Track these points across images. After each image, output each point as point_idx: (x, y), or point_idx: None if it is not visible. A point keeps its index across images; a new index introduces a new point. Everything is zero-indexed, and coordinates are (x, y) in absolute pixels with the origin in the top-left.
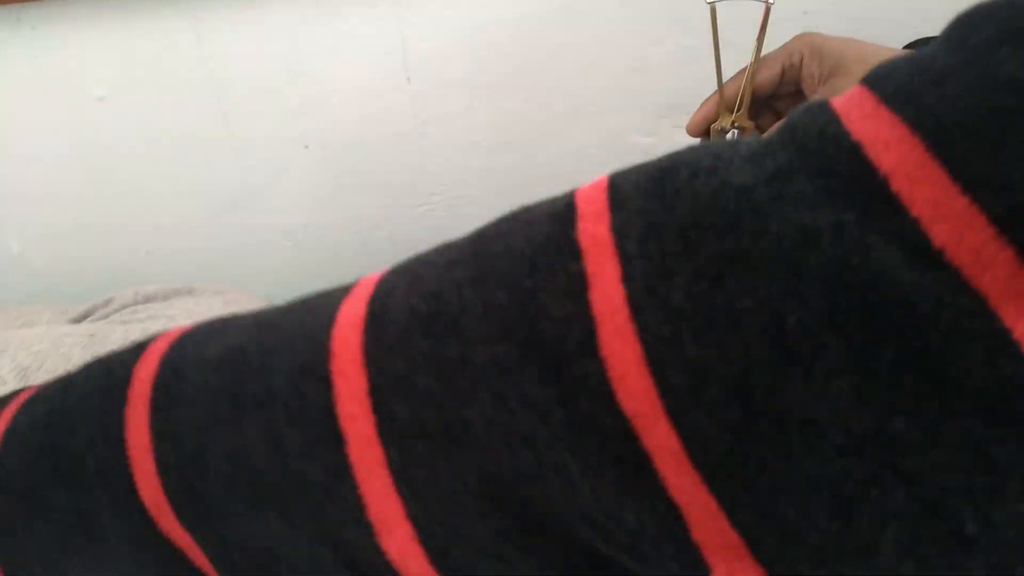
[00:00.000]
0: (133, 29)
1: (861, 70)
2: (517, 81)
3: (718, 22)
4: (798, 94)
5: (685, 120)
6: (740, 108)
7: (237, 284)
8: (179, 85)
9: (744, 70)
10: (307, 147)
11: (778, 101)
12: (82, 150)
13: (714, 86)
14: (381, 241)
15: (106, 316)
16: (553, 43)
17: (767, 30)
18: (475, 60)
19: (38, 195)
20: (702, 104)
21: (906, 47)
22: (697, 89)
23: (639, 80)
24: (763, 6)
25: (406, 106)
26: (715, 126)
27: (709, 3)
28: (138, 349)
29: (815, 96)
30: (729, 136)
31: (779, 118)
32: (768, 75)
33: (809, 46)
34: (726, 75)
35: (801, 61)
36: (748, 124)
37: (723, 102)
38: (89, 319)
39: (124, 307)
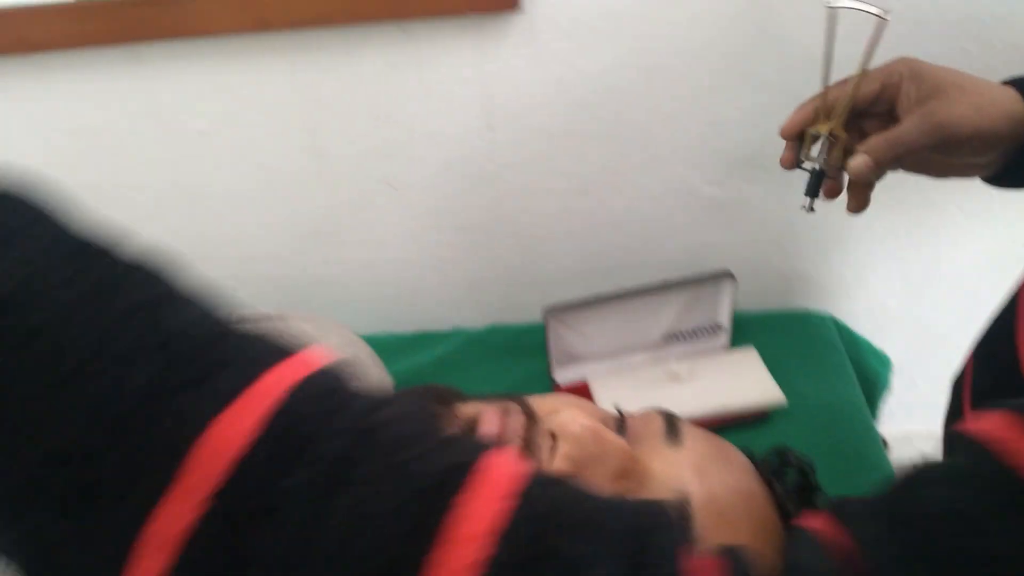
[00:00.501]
0: (235, 71)
1: (958, 95)
2: (594, 132)
3: (835, 27)
4: (888, 115)
5: (754, 173)
6: (836, 117)
7: (316, 312)
8: (274, 123)
9: (845, 81)
10: (391, 186)
11: (867, 120)
12: (182, 179)
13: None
14: (457, 279)
15: None
16: (630, 97)
17: (877, 46)
18: (554, 111)
19: (141, 218)
20: (801, 106)
21: (1005, 82)
22: (766, 145)
23: (711, 133)
24: (875, 20)
25: (486, 152)
26: (811, 130)
27: (829, 8)
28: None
29: (909, 116)
30: (821, 144)
31: (863, 137)
32: (868, 90)
33: (909, 68)
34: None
35: (900, 81)
36: (843, 134)
37: (824, 107)
38: None
39: None
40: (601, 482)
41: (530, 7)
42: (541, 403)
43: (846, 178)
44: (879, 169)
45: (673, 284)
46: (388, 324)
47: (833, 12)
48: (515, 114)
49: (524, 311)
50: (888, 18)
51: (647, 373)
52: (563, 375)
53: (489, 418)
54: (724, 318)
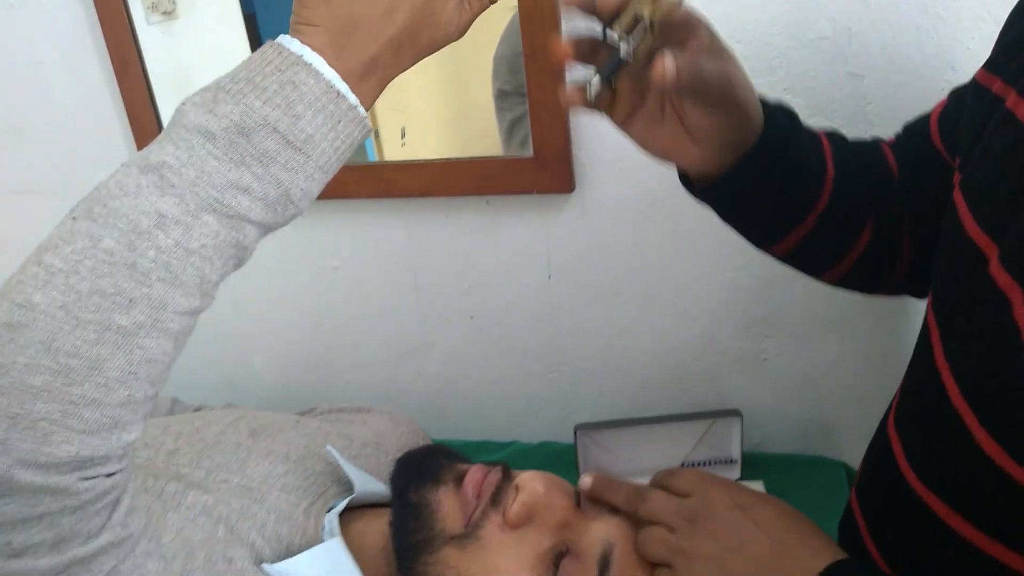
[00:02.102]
0: (364, 222)
1: (736, 65)
2: (634, 286)
3: None
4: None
5: (769, 330)
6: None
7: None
8: (388, 265)
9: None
10: (472, 318)
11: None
12: (316, 301)
13: None
14: (518, 398)
15: (310, 415)
16: (663, 261)
17: None
18: (601, 269)
19: (280, 329)
20: None
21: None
22: (777, 309)
23: (730, 296)
24: None
25: (546, 297)
26: (634, 7)
27: None
28: None
29: (701, 55)
30: (637, 30)
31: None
32: (680, 13)
33: (705, 23)
34: None
35: (698, 25)
36: (655, 30)
37: None
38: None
39: (321, 413)
40: (548, 528)
41: (582, 190)
42: (520, 471)
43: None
44: (678, 83)
45: (689, 416)
46: (459, 432)
47: None
48: (570, 269)
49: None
50: None
51: None
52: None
53: (474, 471)
54: (735, 452)
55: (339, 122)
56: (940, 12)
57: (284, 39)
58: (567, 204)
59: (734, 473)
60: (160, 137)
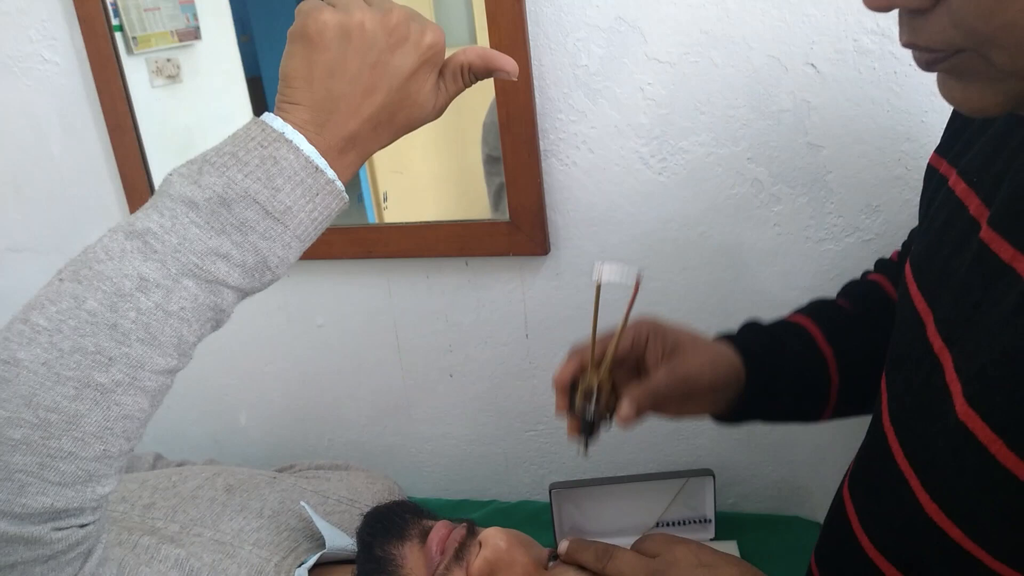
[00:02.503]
0: (349, 282)
1: (694, 350)
2: None
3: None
4: (636, 365)
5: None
6: (602, 370)
7: (384, 472)
8: (371, 323)
9: (605, 337)
10: (452, 376)
11: (623, 367)
12: (300, 359)
13: None
14: (497, 455)
15: (288, 472)
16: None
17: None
18: (576, 327)
19: (267, 388)
20: (570, 357)
21: (718, 338)
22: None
23: None
24: (634, 284)
25: (524, 354)
26: (581, 385)
27: (594, 281)
28: None
29: (658, 370)
30: (591, 395)
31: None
32: (623, 346)
33: (653, 328)
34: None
35: (647, 339)
36: (607, 384)
37: (593, 361)
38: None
39: (300, 470)
40: None
41: (557, 251)
42: (484, 528)
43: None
44: (641, 416)
45: (663, 475)
46: (439, 491)
47: (598, 285)
48: (546, 328)
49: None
50: (641, 280)
51: None
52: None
53: (438, 527)
54: (709, 511)
55: (317, 195)
56: (894, 87)
57: (268, 116)
58: (543, 265)
59: (708, 533)
60: (147, 205)
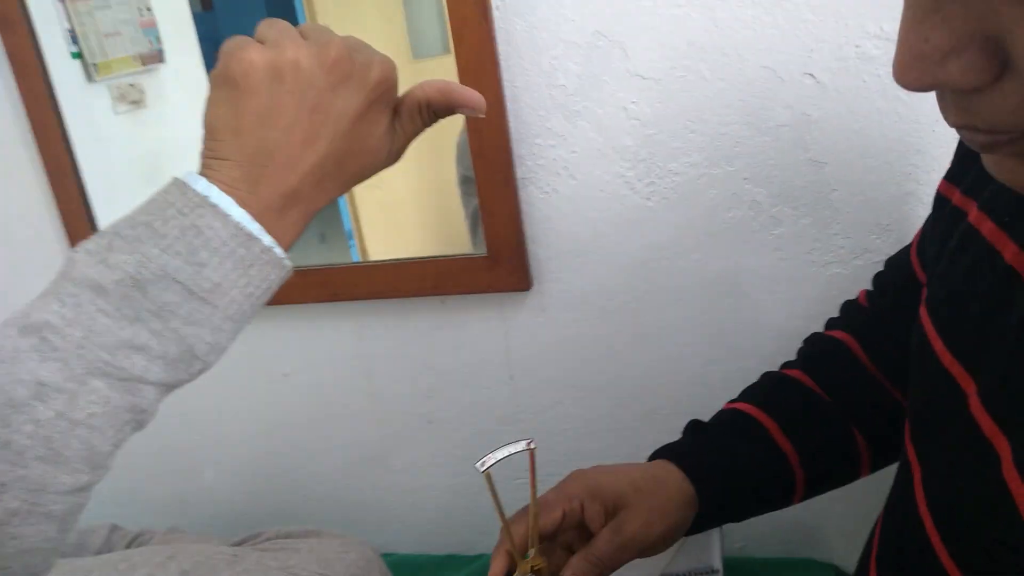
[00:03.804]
0: (314, 328)
1: (638, 501)
2: (598, 384)
3: (494, 485)
4: (580, 528)
5: None
6: (530, 551)
7: (364, 528)
8: (341, 370)
9: (526, 511)
10: (431, 423)
11: (564, 533)
12: (267, 411)
13: None
14: (483, 506)
15: (253, 543)
16: (626, 357)
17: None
18: (564, 366)
19: (231, 440)
20: (494, 556)
21: (656, 456)
22: None
23: (697, 392)
24: (527, 453)
25: (508, 397)
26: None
27: (482, 471)
28: None
29: (602, 534)
30: None
31: (570, 552)
32: (550, 519)
33: (586, 488)
34: None
35: (581, 504)
36: (541, 565)
37: (516, 552)
38: (240, 545)
39: (268, 539)
40: None
41: (540, 285)
42: None
43: None
44: None
45: None
46: (422, 546)
47: (488, 474)
48: (531, 368)
49: None
50: (535, 447)
51: None
52: None
53: None
54: (716, 561)
55: (251, 266)
56: (901, 95)
57: (190, 177)
58: (526, 301)
59: None
60: (46, 291)
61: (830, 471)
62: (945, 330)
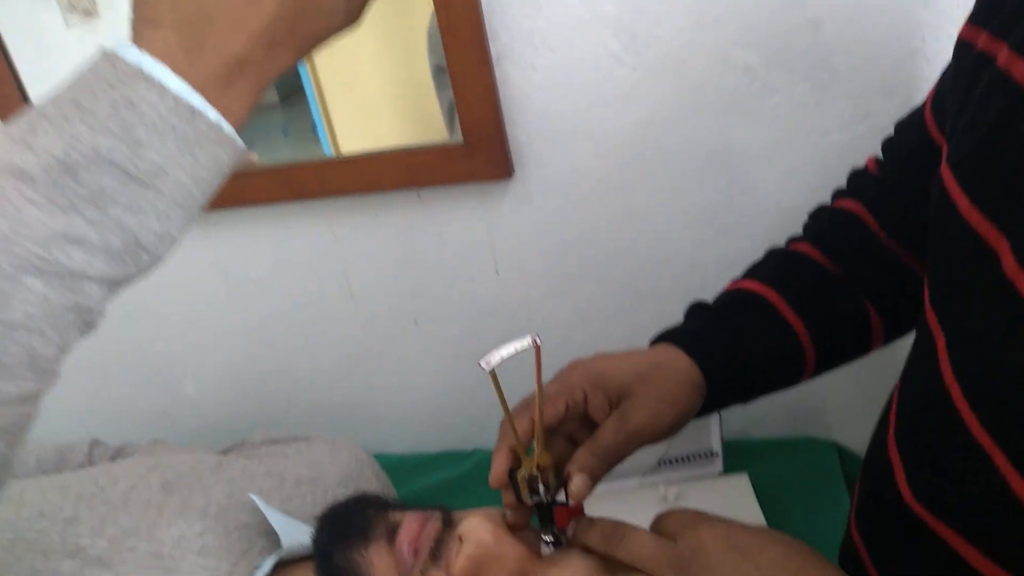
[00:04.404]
0: (287, 230)
1: (644, 391)
2: (587, 274)
3: (500, 381)
4: (584, 419)
5: None
6: (535, 450)
7: (354, 432)
8: (318, 271)
9: (527, 407)
10: (416, 322)
11: (567, 425)
12: (244, 317)
13: None
14: (476, 403)
15: (239, 451)
16: (616, 243)
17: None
18: (551, 257)
19: (210, 351)
20: (496, 454)
21: (659, 339)
22: None
23: (690, 275)
24: (533, 350)
25: (495, 292)
26: (520, 475)
27: (488, 370)
28: None
29: (606, 424)
30: (535, 482)
31: (575, 445)
32: (554, 412)
33: (588, 378)
34: None
35: (584, 394)
36: (546, 461)
37: (521, 448)
38: (226, 454)
39: (252, 447)
40: None
41: (522, 173)
42: (462, 513)
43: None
44: (597, 481)
45: None
46: (416, 446)
47: (493, 372)
48: (518, 260)
49: None
50: (540, 342)
51: (639, 497)
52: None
53: (408, 524)
54: (715, 444)
55: (196, 144)
56: None
57: (120, 46)
58: (508, 190)
59: (716, 467)
60: None
61: (842, 346)
62: (972, 187)
